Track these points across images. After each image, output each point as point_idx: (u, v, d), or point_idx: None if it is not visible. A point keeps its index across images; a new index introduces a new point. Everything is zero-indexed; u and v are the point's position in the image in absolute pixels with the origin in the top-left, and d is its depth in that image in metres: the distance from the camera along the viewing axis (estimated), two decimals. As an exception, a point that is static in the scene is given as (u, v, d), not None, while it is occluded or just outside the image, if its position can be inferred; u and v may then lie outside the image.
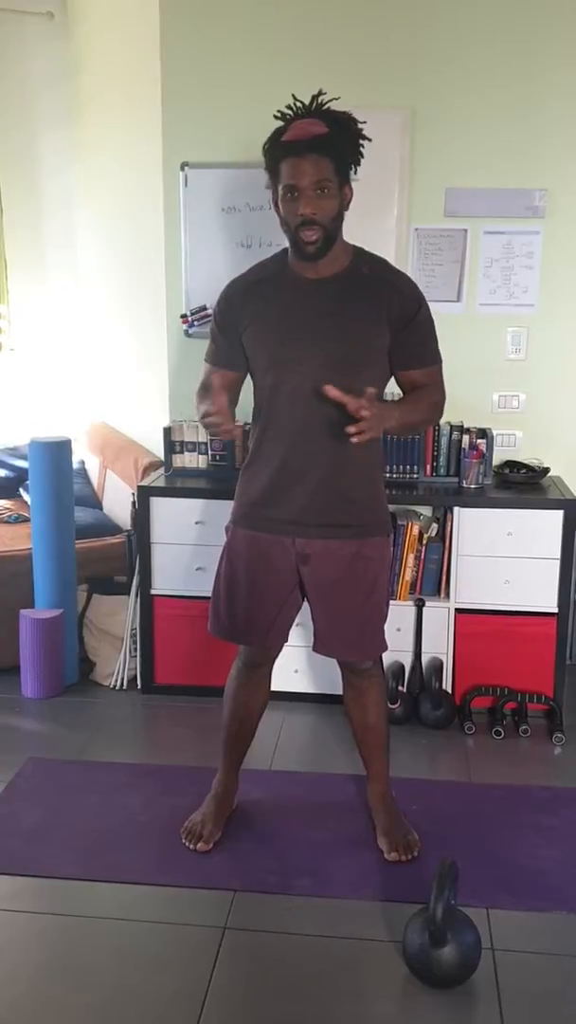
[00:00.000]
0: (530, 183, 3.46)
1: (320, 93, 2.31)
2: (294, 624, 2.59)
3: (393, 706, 3.31)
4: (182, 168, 3.54)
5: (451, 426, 3.50)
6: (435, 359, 2.48)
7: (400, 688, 3.40)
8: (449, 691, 3.43)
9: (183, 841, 2.62)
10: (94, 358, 4.71)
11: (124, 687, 3.62)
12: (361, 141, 2.32)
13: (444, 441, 3.50)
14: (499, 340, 3.59)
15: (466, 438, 3.48)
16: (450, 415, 3.48)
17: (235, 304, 2.44)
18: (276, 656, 2.66)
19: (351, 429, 2.18)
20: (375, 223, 3.48)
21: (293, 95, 2.32)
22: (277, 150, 2.27)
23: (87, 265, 4.65)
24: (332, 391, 2.21)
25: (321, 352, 2.33)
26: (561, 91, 3.40)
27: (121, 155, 4.03)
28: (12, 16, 4.39)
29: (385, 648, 2.62)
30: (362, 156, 2.34)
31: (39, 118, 4.56)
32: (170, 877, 2.50)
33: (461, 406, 3.53)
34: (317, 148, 2.22)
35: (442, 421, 3.46)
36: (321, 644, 2.56)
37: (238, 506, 2.53)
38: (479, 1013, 2.07)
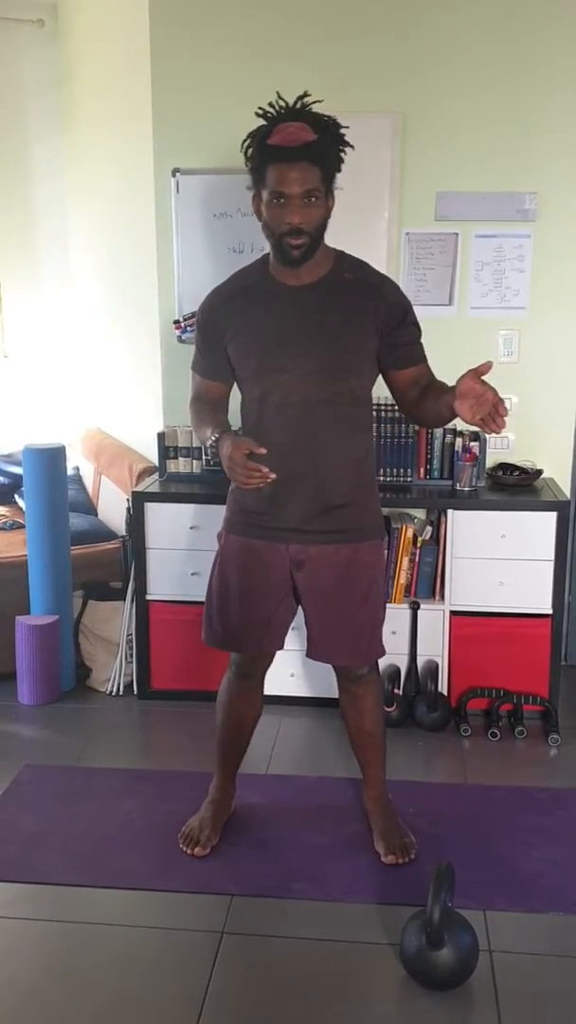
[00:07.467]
0: (520, 186, 3.47)
1: (305, 94, 2.27)
2: (290, 629, 2.59)
3: (389, 709, 3.31)
4: (173, 174, 3.55)
5: (444, 429, 3.51)
6: (425, 357, 2.45)
7: (396, 691, 3.40)
8: (445, 693, 3.44)
9: (180, 846, 2.63)
10: (88, 364, 4.72)
11: (120, 693, 3.62)
12: (344, 148, 2.28)
13: (437, 444, 3.51)
14: (491, 343, 3.59)
15: (459, 441, 3.49)
16: (443, 418, 3.52)
17: (218, 314, 2.42)
18: (268, 666, 2.66)
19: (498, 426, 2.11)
20: (366, 227, 3.50)
21: (278, 93, 2.27)
22: (265, 152, 2.22)
23: (80, 271, 4.66)
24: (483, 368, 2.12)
25: (308, 360, 2.31)
26: (551, 94, 3.41)
27: (112, 161, 4.04)
28: (2, 24, 4.41)
29: (382, 653, 2.61)
30: (343, 162, 2.29)
31: (30, 125, 4.57)
32: (167, 882, 2.50)
33: (454, 409, 3.55)
34: (307, 156, 2.18)
35: (435, 424, 3.51)
36: (315, 649, 2.54)
37: (231, 513, 2.52)
38: (477, 1015, 2.07)
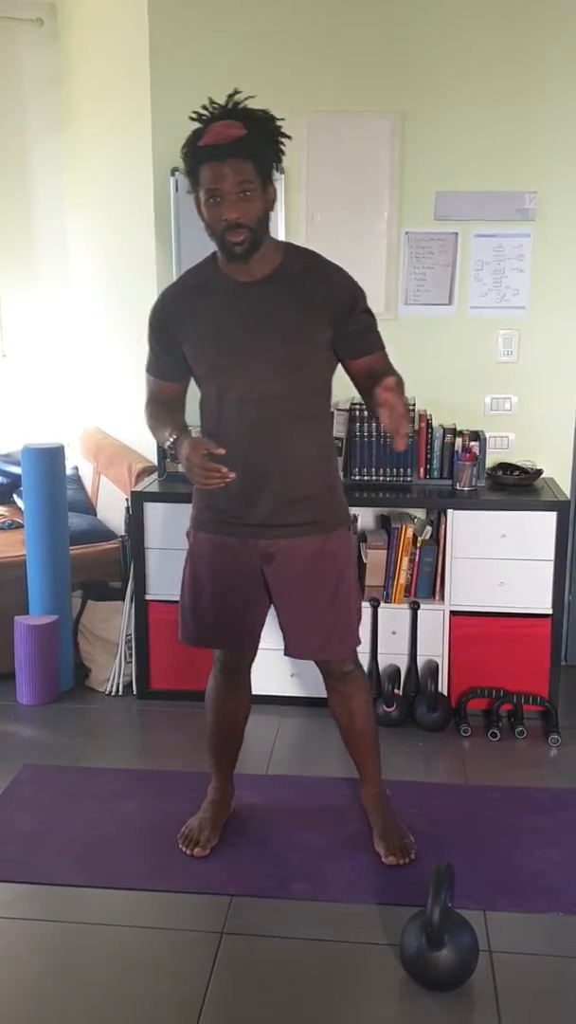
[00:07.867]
0: (520, 186, 3.47)
1: (235, 92, 2.26)
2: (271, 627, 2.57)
3: (389, 709, 3.31)
4: (172, 173, 3.55)
5: (444, 429, 3.50)
6: (382, 345, 2.42)
7: (396, 691, 3.40)
8: (445, 693, 3.43)
9: (180, 846, 2.62)
10: (87, 364, 4.71)
11: (119, 693, 3.62)
12: (281, 139, 2.26)
13: (437, 444, 3.51)
14: (491, 343, 3.59)
15: (459, 440, 3.49)
16: (443, 418, 3.52)
17: (170, 314, 2.40)
18: (251, 661, 2.65)
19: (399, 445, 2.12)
20: (366, 227, 3.50)
21: (210, 98, 2.26)
22: (196, 154, 2.23)
23: (79, 271, 4.66)
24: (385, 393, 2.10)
25: (263, 355, 2.30)
26: (550, 93, 3.41)
27: (111, 161, 4.03)
28: (1, 23, 4.41)
29: (358, 643, 2.58)
30: (283, 154, 2.28)
31: (29, 124, 4.57)
32: (167, 882, 2.49)
33: (454, 409, 3.55)
34: (237, 151, 2.18)
35: (435, 423, 3.51)
36: (292, 646, 2.52)
37: (197, 511, 2.51)
38: (477, 1015, 2.06)
